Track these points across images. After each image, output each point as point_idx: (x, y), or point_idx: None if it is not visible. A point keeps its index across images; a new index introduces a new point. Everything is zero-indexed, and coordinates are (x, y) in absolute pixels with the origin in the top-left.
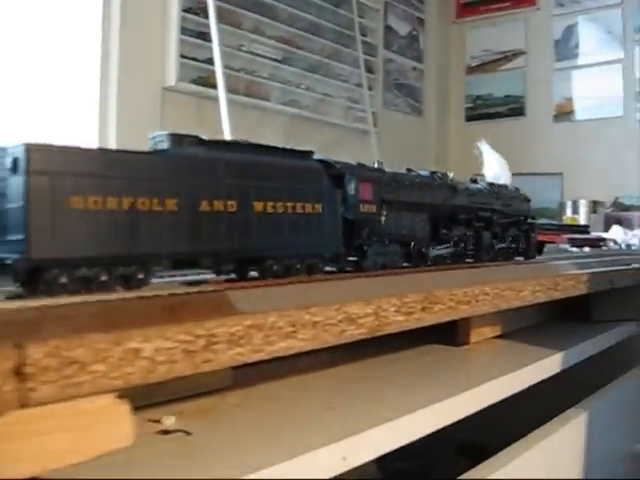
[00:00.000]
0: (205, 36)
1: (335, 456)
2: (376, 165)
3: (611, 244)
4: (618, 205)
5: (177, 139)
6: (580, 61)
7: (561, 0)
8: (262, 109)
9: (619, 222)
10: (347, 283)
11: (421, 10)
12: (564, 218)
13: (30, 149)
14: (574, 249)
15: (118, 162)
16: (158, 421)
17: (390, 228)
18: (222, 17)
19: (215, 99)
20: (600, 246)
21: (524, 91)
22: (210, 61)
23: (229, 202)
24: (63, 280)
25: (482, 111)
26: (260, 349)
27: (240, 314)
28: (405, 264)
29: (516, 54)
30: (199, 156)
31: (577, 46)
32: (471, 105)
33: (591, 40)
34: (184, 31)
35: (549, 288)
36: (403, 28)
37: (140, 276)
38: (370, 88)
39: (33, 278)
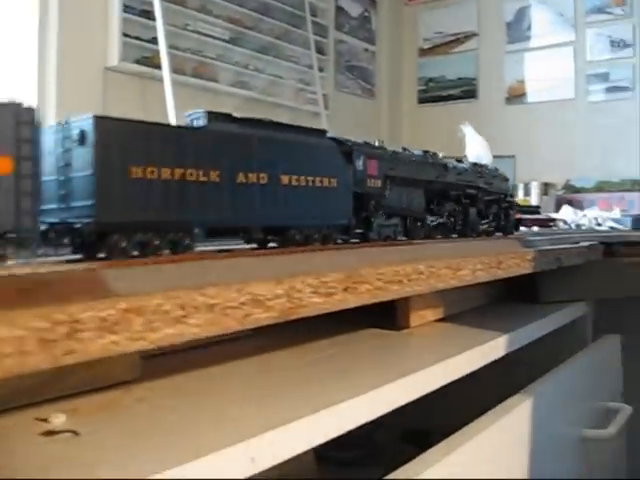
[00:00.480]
0: (149, 15)
1: (242, 457)
2: (377, 143)
3: (561, 224)
4: (569, 187)
5: (213, 116)
6: (532, 43)
7: None
8: (212, 91)
9: (570, 204)
10: (263, 260)
11: None
12: (516, 200)
13: (98, 122)
14: (523, 228)
15: (171, 136)
16: (46, 420)
17: (392, 202)
18: None
19: (160, 80)
20: (550, 226)
21: (476, 73)
22: (155, 41)
23: (261, 175)
24: (123, 244)
25: (434, 93)
26: (140, 337)
27: (115, 296)
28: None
29: (468, 36)
30: (234, 132)
31: (529, 28)
32: (423, 87)
33: (543, 22)
34: (127, 9)
35: (491, 267)
36: (355, 9)
37: (187, 241)
38: (321, 70)
39: (93, 243)
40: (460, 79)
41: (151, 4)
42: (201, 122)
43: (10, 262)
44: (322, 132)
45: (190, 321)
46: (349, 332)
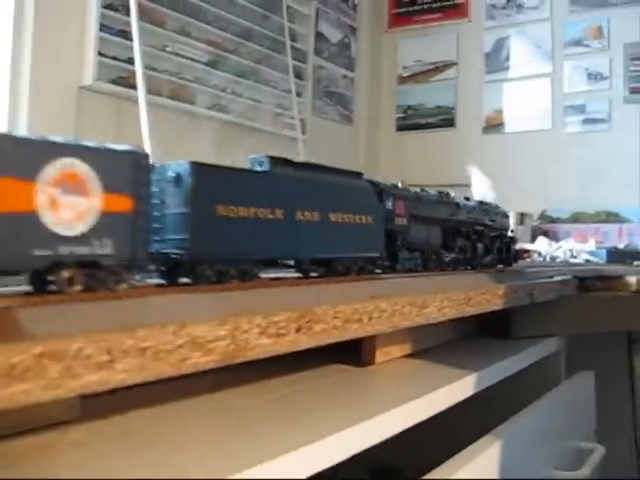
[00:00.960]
0: (127, 34)
1: None
2: (400, 185)
3: (535, 256)
4: (545, 217)
5: (274, 161)
6: (510, 74)
7: (492, 13)
8: (191, 114)
9: (545, 234)
10: (207, 297)
11: (353, 18)
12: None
13: (192, 167)
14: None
15: (245, 178)
16: None
17: (415, 238)
18: (145, 15)
19: (136, 101)
20: (524, 258)
21: (455, 102)
22: (132, 61)
23: (314, 213)
24: (208, 272)
25: (413, 121)
26: (57, 385)
27: (30, 339)
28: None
29: (447, 65)
30: (293, 175)
31: (507, 59)
32: (402, 115)
33: (521, 53)
34: (104, 28)
35: (460, 303)
36: (335, 35)
37: (255, 271)
38: (299, 95)
39: (172, 271)
40: (439, 107)
41: (129, 24)
42: (265, 166)
43: (123, 286)
44: (359, 174)
45: (117, 366)
46: (312, 367)
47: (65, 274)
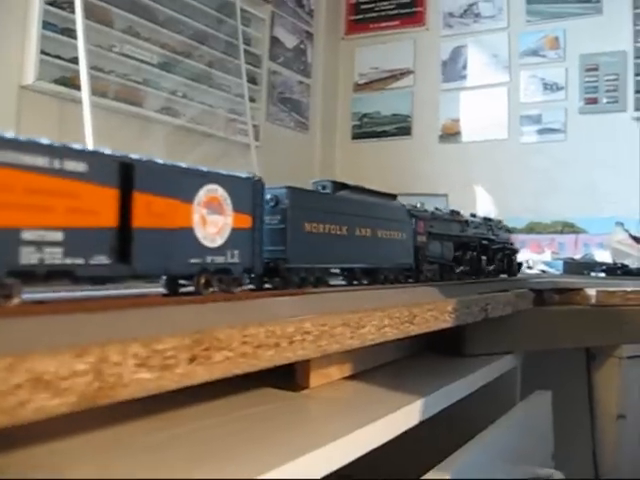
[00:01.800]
0: (71, 33)
1: None
2: (418, 205)
3: None
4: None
5: (335, 185)
6: (467, 83)
7: (449, 21)
8: (141, 117)
9: None
10: (67, 320)
11: (310, 24)
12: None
13: (288, 191)
14: None
15: (322, 200)
16: None
17: (432, 252)
18: (91, 13)
19: (81, 102)
20: None
21: (411, 111)
22: (77, 60)
23: (367, 229)
24: (295, 278)
25: (369, 129)
26: None
27: None
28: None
29: (404, 73)
30: (349, 197)
31: (464, 68)
32: (358, 123)
33: (478, 63)
34: (47, 26)
35: (402, 322)
36: (290, 41)
37: (327, 278)
38: (253, 100)
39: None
40: (395, 116)
41: (74, 22)
42: (328, 189)
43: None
44: (394, 196)
45: None
46: (238, 391)
47: (202, 279)
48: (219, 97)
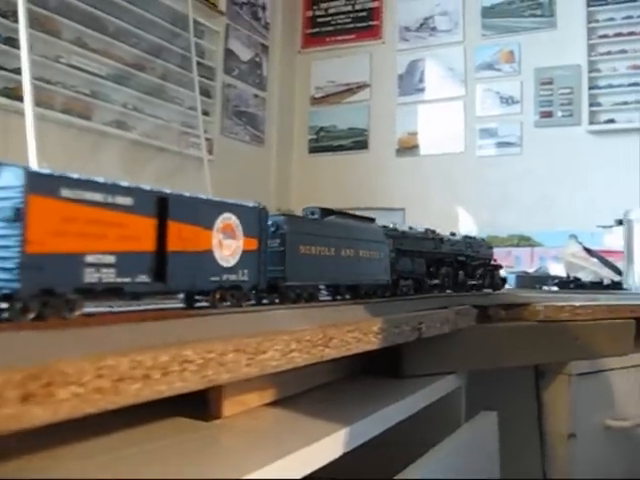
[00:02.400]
0: (15, 42)
1: None
2: (391, 226)
3: None
4: None
5: (323, 211)
6: (423, 97)
7: (406, 35)
8: (97, 133)
9: None
10: None
11: (266, 37)
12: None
13: (286, 218)
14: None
15: (313, 225)
16: None
17: (402, 267)
18: (37, 23)
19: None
20: None
21: (368, 124)
22: (20, 71)
23: (349, 250)
24: (291, 295)
25: (325, 143)
26: None
27: None
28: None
29: (361, 87)
30: (337, 222)
31: (421, 81)
32: (314, 137)
33: (434, 76)
34: None
35: (315, 345)
36: (245, 53)
37: (317, 294)
38: (207, 113)
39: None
40: (351, 129)
41: (17, 31)
42: (317, 215)
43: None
44: (373, 219)
45: None
46: (146, 421)
47: (218, 294)
48: (172, 110)
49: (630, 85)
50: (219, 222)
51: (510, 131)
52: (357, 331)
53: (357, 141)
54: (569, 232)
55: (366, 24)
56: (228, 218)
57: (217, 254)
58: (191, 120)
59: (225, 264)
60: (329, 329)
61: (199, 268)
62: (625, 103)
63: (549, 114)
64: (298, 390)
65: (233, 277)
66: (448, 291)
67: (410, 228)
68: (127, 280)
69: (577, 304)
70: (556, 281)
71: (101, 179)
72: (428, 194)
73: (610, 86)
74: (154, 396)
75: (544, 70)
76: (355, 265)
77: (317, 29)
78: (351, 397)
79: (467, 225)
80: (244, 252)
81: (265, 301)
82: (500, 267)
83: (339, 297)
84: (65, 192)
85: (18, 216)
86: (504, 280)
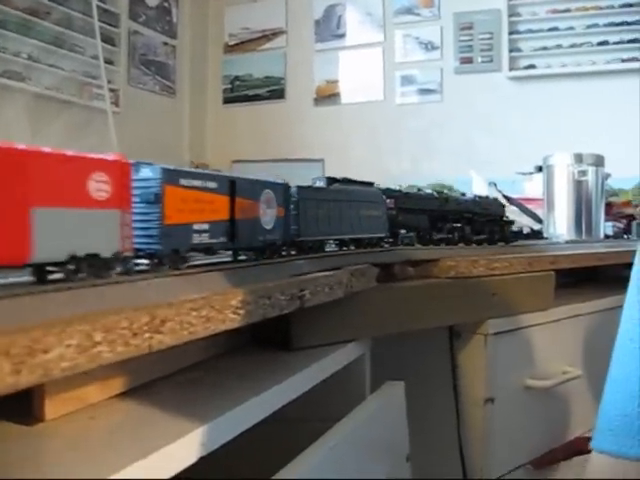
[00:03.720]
0: None
1: None
2: (397, 187)
3: None
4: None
5: (328, 180)
6: (341, 43)
7: None
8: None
9: None
10: None
11: None
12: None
13: (298, 189)
14: None
15: (321, 192)
16: None
17: (404, 222)
18: None
19: None
20: None
21: (284, 73)
22: None
23: (351, 211)
24: (306, 247)
25: (241, 93)
26: None
27: None
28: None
29: (276, 33)
30: (340, 188)
31: (338, 27)
32: (229, 86)
33: (352, 22)
34: None
35: (138, 332)
36: None
37: (325, 246)
38: (111, 62)
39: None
40: (267, 78)
41: None
42: (323, 183)
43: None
44: (371, 184)
45: None
46: None
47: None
48: (75, 60)
49: (550, 30)
50: (263, 196)
51: (430, 78)
52: (206, 308)
53: (274, 90)
54: (489, 180)
55: None
56: (268, 192)
57: (262, 220)
58: (95, 70)
59: (267, 227)
60: (160, 309)
61: (253, 230)
62: (545, 48)
63: (469, 60)
64: (160, 374)
65: (271, 236)
66: (460, 244)
67: (419, 190)
68: (214, 241)
69: (493, 257)
70: None
71: (200, 171)
72: (348, 144)
73: (530, 31)
74: None
75: (464, 15)
76: (356, 222)
77: None
78: (229, 377)
79: (387, 174)
80: (277, 218)
81: (284, 253)
82: (512, 222)
83: (345, 248)
84: (182, 181)
85: (157, 199)
86: (516, 234)
